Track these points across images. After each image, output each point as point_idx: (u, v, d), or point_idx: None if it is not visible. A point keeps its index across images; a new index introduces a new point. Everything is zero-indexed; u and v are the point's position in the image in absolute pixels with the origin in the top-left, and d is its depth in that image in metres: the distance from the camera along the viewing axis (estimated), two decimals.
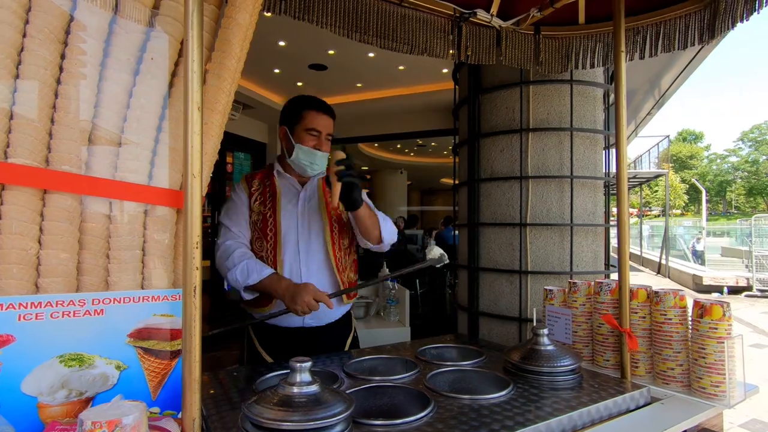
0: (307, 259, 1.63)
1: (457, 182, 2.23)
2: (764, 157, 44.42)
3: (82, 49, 0.76)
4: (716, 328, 1.18)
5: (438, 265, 1.39)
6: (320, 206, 1.68)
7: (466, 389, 1.25)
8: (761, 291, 9.33)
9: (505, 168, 1.92)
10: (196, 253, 0.75)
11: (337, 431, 0.88)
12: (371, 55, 4.43)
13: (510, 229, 1.89)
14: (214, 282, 5.61)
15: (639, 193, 19.62)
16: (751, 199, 44.90)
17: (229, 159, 6.16)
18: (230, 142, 6.04)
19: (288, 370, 0.92)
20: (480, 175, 2.01)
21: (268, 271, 1.52)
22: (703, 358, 1.20)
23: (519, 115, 1.88)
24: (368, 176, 13.08)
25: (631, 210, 22.70)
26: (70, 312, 0.72)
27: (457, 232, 2.31)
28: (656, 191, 36.81)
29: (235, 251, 1.55)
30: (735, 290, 9.63)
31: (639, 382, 1.30)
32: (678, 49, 1.55)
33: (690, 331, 1.27)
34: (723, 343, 1.17)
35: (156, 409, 0.79)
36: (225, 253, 1.56)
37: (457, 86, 2.28)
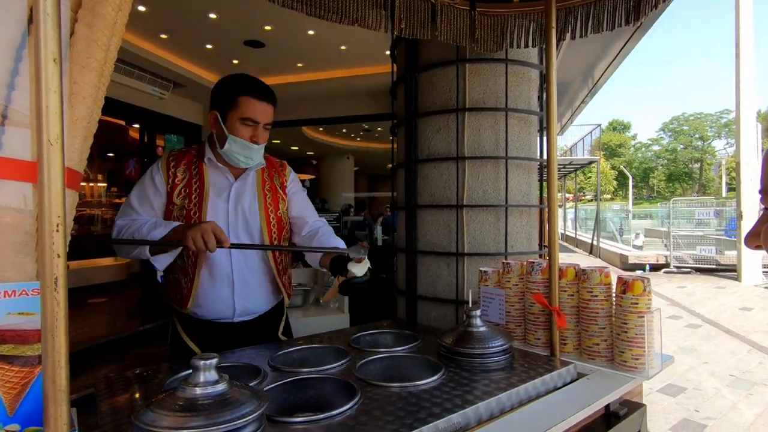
0: (241, 264, 1.49)
1: (394, 164, 2.17)
2: (681, 146, 48.80)
3: None
4: (637, 303, 1.21)
5: (357, 279, 1.32)
6: (257, 203, 1.52)
7: (398, 377, 1.20)
8: (677, 267, 10.26)
9: (442, 149, 1.88)
10: (57, 238, 0.61)
11: (255, 430, 0.79)
12: (311, 32, 4.23)
13: (447, 211, 1.86)
14: (145, 273, 5.23)
15: (574, 179, 20.83)
16: (671, 184, 49.30)
17: (159, 141, 5.72)
18: (160, 123, 5.60)
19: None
20: (417, 156, 1.96)
21: (169, 226, 1.34)
22: (625, 332, 1.23)
23: (455, 95, 1.84)
24: (314, 161, 12.78)
25: (567, 195, 24.08)
26: None
27: (394, 215, 2.26)
28: (590, 177, 39.34)
29: (132, 223, 1.39)
30: (655, 267, 10.53)
31: (567, 359, 1.31)
32: (606, 29, 1.56)
33: (614, 307, 1.30)
34: (643, 317, 1.20)
35: (14, 427, 0.66)
36: (120, 231, 1.39)
37: (394, 64, 2.20)
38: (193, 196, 1.45)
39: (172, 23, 3.95)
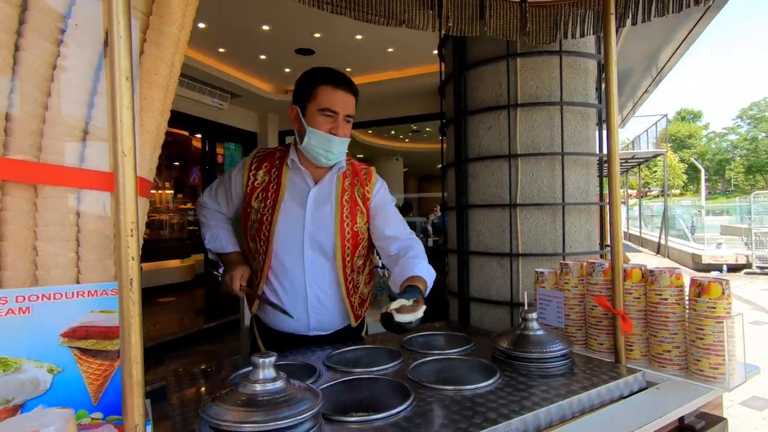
0: (315, 275, 1.42)
1: (444, 164, 2.14)
2: (763, 135, 44.22)
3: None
4: (714, 308, 1.11)
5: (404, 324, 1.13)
6: (334, 213, 1.41)
7: (451, 379, 1.18)
8: (761, 268, 9.30)
9: (494, 146, 1.83)
10: (131, 242, 0.66)
11: (304, 429, 0.81)
12: (359, 37, 4.30)
13: (499, 211, 1.81)
14: (209, 274, 5.55)
15: (638, 173, 19.52)
16: (750, 176, 44.78)
17: (219, 150, 6.05)
18: (220, 132, 5.93)
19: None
20: (467, 154, 1.93)
21: (231, 248, 1.52)
22: (701, 339, 1.13)
23: (506, 91, 1.79)
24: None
25: (630, 191, 22.61)
26: None
27: (445, 216, 2.23)
28: (655, 171, 36.69)
29: (209, 211, 1.54)
30: (734, 268, 9.61)
31: (634, 366, 1.23)
32: (672, 12, 1.45)
33: (687, 311, 1.20)
34: (722, 322, 1.10)
35: (98, 415, 0.72)
36: (200, 211, 1.57)
37: (442, 63, 2.17)
38: (269, 200, 1.41)
39: (229, 37, 4.17)
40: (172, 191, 8.47)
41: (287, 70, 5.14)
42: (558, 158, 1.74)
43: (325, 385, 1.10)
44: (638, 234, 16.92)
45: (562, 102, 1.73)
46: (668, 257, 12.26)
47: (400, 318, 1.11)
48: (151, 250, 7.09)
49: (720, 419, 1.12)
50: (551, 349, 1.19)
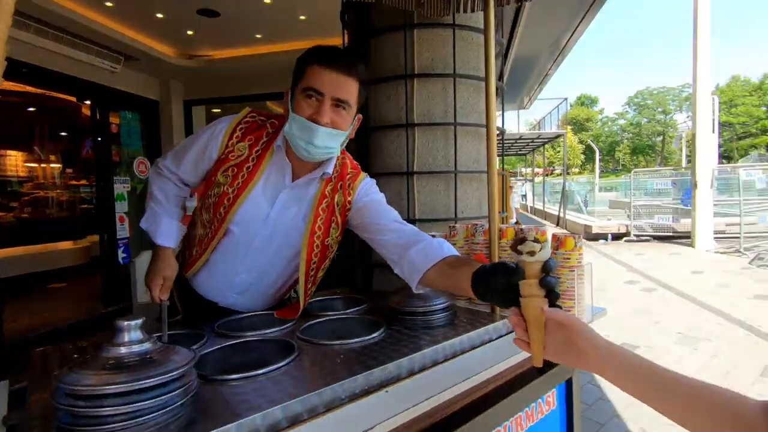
0: (255, 276, 1.33)
1: None
2: (645, 120, 50.29)
3: None
4: (569, 258, 1.27)
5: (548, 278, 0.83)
6: (305, 222, 1.25)
7: (339, 336, 1.23)
8: (637, 236, 10.73)
9: (392, 116, 1.88)
10: None
11: (175, 389, 0.79)
12: (267, 1, 4.08)
13: (399, 178, 1.88)
14: (108, 255, 5.08)
15: (543, 153, 21.22)
16: (635, 157, 50.97)
17: (113, 119, 5.46)
18: (113, 99, 5.34)
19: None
20: (370, 124, 1.96)
21: (162, 242, 1.29)
22: (558, 286, 1.29)
23: (404, 61, 1.83)
24: None
25: (537, 169, 24.58)
26: None
27: None
28: (558, 151, 40.17)
29: (163, 182, 1.32)
30: (617, 236, 10.98)
31: (507, 314, 1.37)
32: None
33: None
34: (573, 271, 1.26)
35: None
36: (154, 178, 1.34)
37: (345, 30, 2.16)
38: (237, 181, 1.22)
39: None
40: (59, 165, 7.53)
41: (190, 32, 4.74)
42: (451, 128, 1.84)
43: (211, 349, 1.08)
44: (542, 208, 18.57)
45: (455, 74, 1.82)
46: (566, 228, 13.64)
47: (535, 257, 0.78)
48: (35, 231, 6.30)
49: None
50: (434, 303, 1.28)
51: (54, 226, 6.75)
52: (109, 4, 3.99)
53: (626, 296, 5.84)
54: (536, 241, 0.80)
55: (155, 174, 1.34)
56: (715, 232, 9.46)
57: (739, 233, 8.90)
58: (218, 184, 1.23)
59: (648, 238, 10.66)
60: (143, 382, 0.74)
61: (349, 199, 1.31)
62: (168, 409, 0.76)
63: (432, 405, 0.89)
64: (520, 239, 0.82)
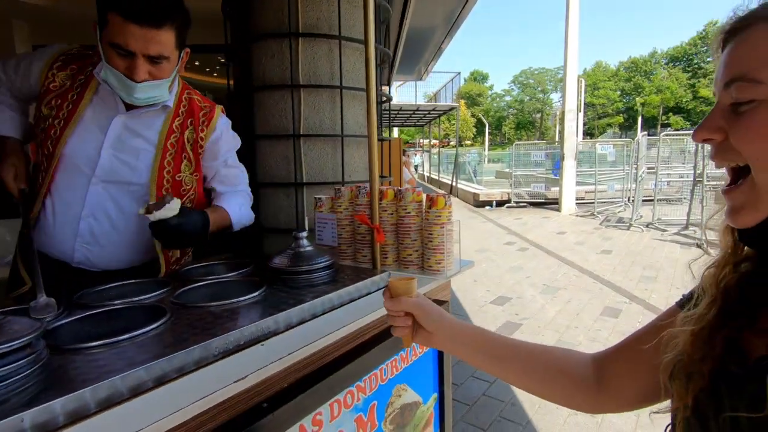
0: (98, 211, 1.25)
1: (231, 94, 2.04)
2: (528, 98, 55.23)
3: None
4: (440, 216, 1.39)
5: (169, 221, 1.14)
6: (153, 156, 1.23)
7: (216, 298, 1.21)
8: (516, 203, 11.98)
9: (277, 76, 1.82)
10: None
11: (20, 358, 0.72)
12: None
13: (285, 141, 1.85)
14: None
15: (439, 125, 22.25)
16: (518, 132, 56.00)
17: None
18: None
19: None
20: (253, 83, 1.87)
21: (7, 131, 1.22)
22: (431, 242, 1.41)
23: (287, 18, 1.77)
24: None
25: (434, 141, 25.75)
26: None
27: None
28: (453, 124, 42.47)
29: None
30: (501, 203, 12.14)
31: (388, 269, 1.47)
32: None
33: (423, 221, 1.47)
34: (443, 227, 1.39)
35: None
36: None
37: None
38: (62, 112, 1.16)
39: None
40: None
41: None
42: (338, 91, 1.84)
43: (70, 319, 0.99)
44: (437, 178, 19.64)
45: (341, 36, 1.81)
46: (458, 196, 14.67)
47: (153, 217, 1.09)
48: None
49: (443, 302, 1.44)
50: (317, 262, 1.32)
51: None
52: None
53: (505, 255, 6.56)
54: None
55: None
56: (577, 199, 10.96)
57: (594, 199, 10.45)
58: (43, 118, 1.19)
59: (525, 204, 11.96)
60: None
61: (201, 135, 1.32)
62: (12, 380, 0.70)
63: (308, 353, 0.93)
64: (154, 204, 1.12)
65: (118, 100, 1.20)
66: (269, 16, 1.81)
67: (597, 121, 49.37)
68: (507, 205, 11.97)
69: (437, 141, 25.77)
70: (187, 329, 0.94)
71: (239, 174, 1.49)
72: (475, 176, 16.78)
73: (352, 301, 1.22)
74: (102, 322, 1.04)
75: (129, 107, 1.22)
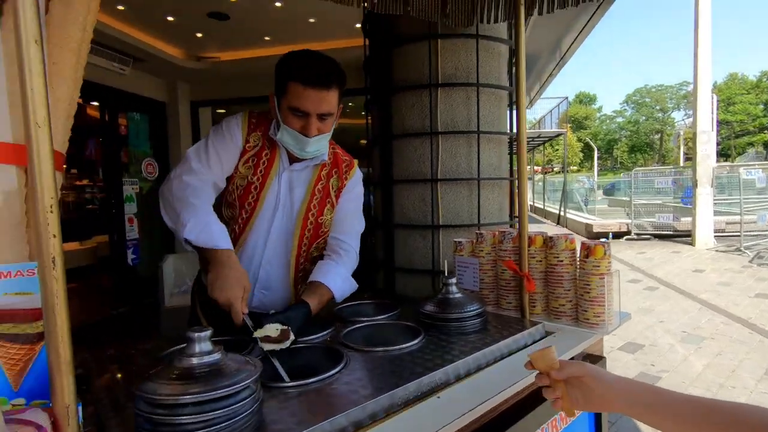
0: (271, 257, 1.38)
1: (370, 140, 2.20)
2: (643, 118, 50.40)
3: None
4: (599, 266, 1.32)
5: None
6: (302, 200, 1.36)
7: (381, 342, 1.27)
8: (638, 235, 10.81)
9: (417, 124, 1.92)
10: (51, 219, 0.63)
11: (244, 398, 0.84)
12: (278, 4, 4.10)
13: (422, 185, 1.92)
14: (117, 256, 5.11)
15: (543, 151, 21.29)
16: (633, 155, 51.08)
17: (122, 121, 5.48)
18: (122, 101, 5.35)
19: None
20: (392, 131, 1.99)
21: (224, 245, 1.20)
22: (588, 293, 1.34)
23: (428, 70, 1.87)
24: None
25: (536, 167, 24.68)
26: None
27: (371, 192, 2.30)
28: (557, 150, 40.28)
29: (199, 194, 1.24)
30: (618, 235, 11.05)
31: (536, 319, 1.42)
32: (571, 5, 1.61)
33: (577, 270, 1.40)
34: (604, 278, 1.31)
35: (20, 401, 0.69)
36: (183, 187, 1.23)
37: (366, 39, 2.19)
38: (260, 169, 1.31)
39: None
40: (64, 166, 7.52)
41: (199, 34, 4.75)
42: (474, 136, 1.88)
43: (260, 356, 1.12)
44: (542, 207, 18.63)
45: (479, 83, 1.86)
46: (567, 227, 13.72)
47: (265, 346, 1.09)
48: None
49: (600, 358, 1.35)
50: (468, 310, 1.33)
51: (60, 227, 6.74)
52: (120, 7, 4.01)
53: (630, 295, 5.91)
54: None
55: (182, 184, 1.27)
56: (715, 231, 9.53)
57: (740, 232, 8.98)
58: (241, 176, 1.31)
59: (649, 236, 10.73)
60: (218, 391, 0.78)
61: (344, 182, 1.45)
62: (240, 416, 0.80)
63: (484, 410, 0.93)
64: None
65: (284, 156, 1.35)
66: (409, 70, 1.93)
67: (734, 141, 43.01)
68: (626, 237, 10.85)
69: (540, 167, 24.61)
70: (366, 374, 1.00)
71: (356, 226, 1.50)
72: (586, 205, 15.58)
73: (510, 353, 1.19)
74: (288, 359, 1.16)
75: (291, 162, 1.36)
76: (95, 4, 0.79)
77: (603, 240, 1.40)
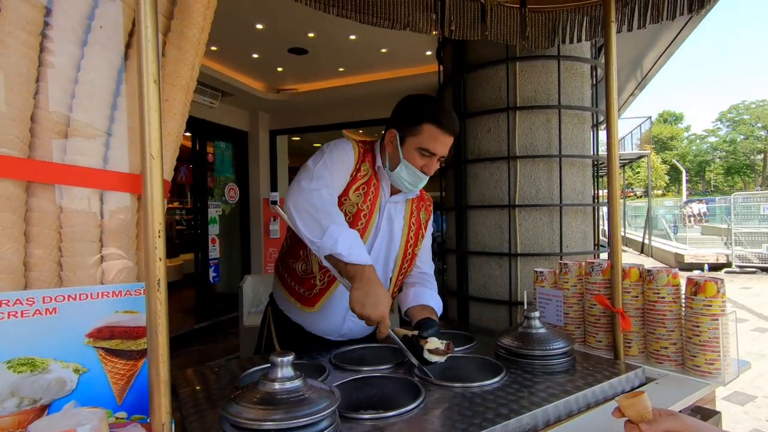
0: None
1: (443, 165, 2.17)
2: (741, 137, 45.38)
3: (17, 17, 0.67)
4: (710, 305, 1.16)
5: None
6: (402, 231, 1.41)
7: (458, 377, 1.20)
8: (740, 267, 9.57)
9: (493, 148, 1.86)
10: (159, 243, 0.67)
11: (323, 427, 0.82)
12: (353, 37, 4.30)
13: (498, 211, 1.85)
14: (201, 274, 5.50)
15: (622, 174, 19.89)
16: (729, 178, 45.95)
17: (209, 149, 5.99)
18: (210, 131, 5.87)
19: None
20: (467, 156, 1.96)
21: (367, 258, 1.15)
22: (698, 336, 1.17)
23: (506, 94, 1.82)
24: None
25: None
26: (17, 312, 0.64)
27: (443, 216, 2.26)
28: (638, 172, 37.43)
29: (336, 207, 1.21)
30: (715, 267, 9.87)
31: (632, 362, 1.27)
32: (666, 19, 1.50)
33: (683, 309, 1.24)
34: (717, 320, 1.14)
35: (122, 414, 0.73)
36: (323, 199, 1.17)
37: (441, 66, 2.20)
38: (369, 196, 1.34)
39: (222, 35, 4.14)
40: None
41: (279, 69, 5.11)
42: (555, 160, 1.79)
43: (337, 383, 1.11)
44: (623, 234, 17.25)
45: (560, 105, 1.77)
46: (652, 257, 12.53)
47: (432, 358, 1.15)
48: None
49: (714, 412, 1.16)
50: (554, 347, 1.22)
51: None
52: (213, 48, 4.43)
53: (739, 337, 5.19)
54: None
55: (321, 197, 1.19)
56: None
57: None
58: (351, 204, 1.32)
59: (754, 269, 9.46)
60: (301, 420, 0.77)
61: (429, 216, 1.52)
62: None
63: None
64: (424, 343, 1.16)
65: (386, 187, 1.39)
66: (485, 94, 1.90)
67: None
68: (726, 270, 9.65)
69: (620, 191, 22.94)
70: (445, 412, 0.95)
71: (431, 255, 1.58)
72: (675, 233, 14.17)
73: (606, 400, 1.07)
74: (361, 389, 1.13)
75: (391, 192, 1.40)
76: (202, 46, 0.86)
77: (698, 273, 1.23)
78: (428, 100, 1.34)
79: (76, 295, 0.69)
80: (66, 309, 0.68)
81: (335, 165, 1.27)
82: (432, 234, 1.58)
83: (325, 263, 1.18)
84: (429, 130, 1.27)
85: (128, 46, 0.78)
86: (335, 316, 1.42)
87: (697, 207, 12.10)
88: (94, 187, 0.72)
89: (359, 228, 1.33)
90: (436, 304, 1.41)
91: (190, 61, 0.81)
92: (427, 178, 1.35)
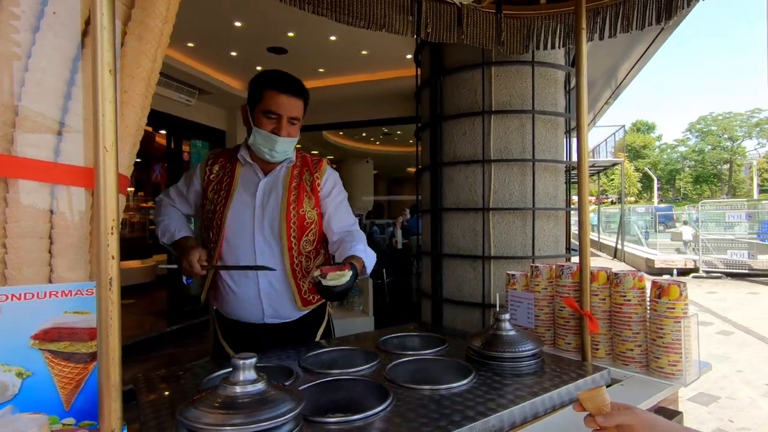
0: (266, 260, 1.48)
1: (419, 167, 2.17)
2: (709, 147, 47.22)
3: None
4: (673, 308, 1.19)
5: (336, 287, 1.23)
6: (281, 199, 1.50)
7: (428, 379, 1.20)
8: (707, 272, 9.92)
9: (468, 151, 1.88)
10: (111, 240, 0.64)
11: (286, 431, 0.80)
12: (333, 38, 4.28)
13: (473, 214, 1.86)
14: (172, 276, 5.35)
15: (596, 181, 20.42)
16: (698, 186, 47.72)
17: (185, 147, 5.86)
18: (186, 129, 5.74)
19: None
20: (443, 159, 1.96)
21: (180, 234, 1.51)
22: (661, 338, 1.20)
23: (481, 97, 1.84)
24: (334, 165, 12.84)
25: (590, 198, 23.64)
26: None
27: (420, 219, 2.26)
28: (612, 179, 38.47)
29: (164, 207, 1.60)
30: (683, 272, 10.21)
31: (599, 364, 1.29)
32: (636, 28, 1.54)
33: (648, 311, 1.27)
34: (680, 322, 1.17)
35: (70, 420, 0.69)
36: (157, 208, 1.62)
37: (419, 68, 2.21)
38: (222, 192, 1.52)
39: (198, 32, 4.07)
40: (132, 188, 8.14)
41: (259, 67, 5.05)
42: (529, 164, 1.81)
43: (304, 386, 1.09)
44: (596, 239, 17.68)
45: (534, 110, 1.80)
46: (624, 261, 12.88)
47: (326, 282, 1.19)
48: None
49: (676, 413, 1.19)
50: (523, 349, 1.23)
51: (124, 245, 7.22)
52: (190, 44, 4.35)
53: (702, 340, 5.36)
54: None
55: (156, 206, 1.66)
56: None
57: None
58: (210, 202, 1.52)
59: (719, 274, 9.83)
60: (263, 423, 0.75)
61: (317, 176, 1.59)
62: None
63: None
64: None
65: (258, 171, 1.53)
66: (461, 97, 1.91)
67: None
68: (693, 275, 10.00)
69: (594, 198, 23.52)
70: (414, 414, 0.94)
71: (349, 218, 1.63)
72: (646, 238, 14.60)
73: (572, 401, 1.08)
74: (329, 392, 1.12)
75: (266, 172, 1.53)
76: (165, 37, 0.83)
77: (667, 277, 1.26)
78: (268, 72, 1.48)
79: (20, 294, 0.65)
80: (9, 309, 0.64)
81: (177, 185, 1.64)
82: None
83: (175, 253, 1.50)
84: (267, 94, 1.42)
85: (85, 34, 0.74)
86: (246, 296, 1.50)
87: (689, 232, 12.48)
88: (43, 181, 0.68)
89: (217, 218, 1.49)
90: (361, 252, 1.45)
91: (151, 53, 0.78)
92: (290, 140, 1.46)
